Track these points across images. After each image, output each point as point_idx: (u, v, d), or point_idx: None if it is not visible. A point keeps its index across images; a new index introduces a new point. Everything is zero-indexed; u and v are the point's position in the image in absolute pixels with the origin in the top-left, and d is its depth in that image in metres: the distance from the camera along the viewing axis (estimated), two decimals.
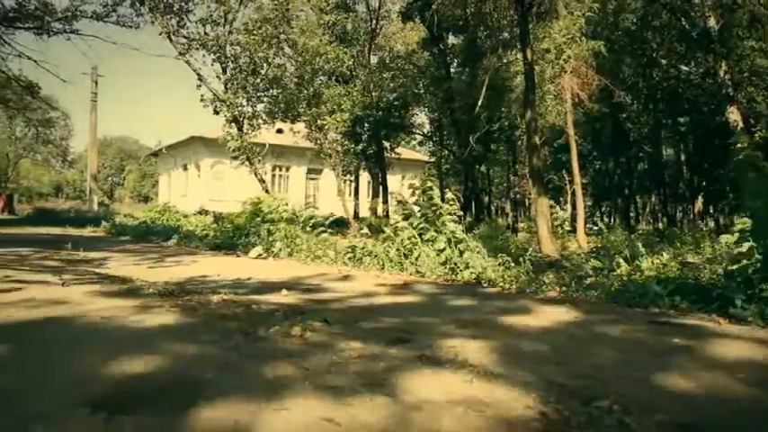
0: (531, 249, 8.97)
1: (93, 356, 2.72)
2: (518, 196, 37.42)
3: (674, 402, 2.25)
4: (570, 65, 16.88)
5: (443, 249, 7.39)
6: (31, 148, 64.55)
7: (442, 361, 2.77)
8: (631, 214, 32.38)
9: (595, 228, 23.40)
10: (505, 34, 24.53)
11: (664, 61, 26.56)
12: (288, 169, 37.88)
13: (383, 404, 2.10)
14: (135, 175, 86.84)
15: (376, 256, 8.06)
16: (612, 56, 23.82)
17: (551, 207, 14.32)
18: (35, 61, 19.67)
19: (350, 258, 8.45)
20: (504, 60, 24.59)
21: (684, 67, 26.37)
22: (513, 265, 6.83)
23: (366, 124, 23.67)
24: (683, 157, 31.58)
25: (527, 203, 40.32)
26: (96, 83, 35.00)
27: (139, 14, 18.72)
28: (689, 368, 2.80)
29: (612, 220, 35.01)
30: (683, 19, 22.49)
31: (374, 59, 26.71)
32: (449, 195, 8.15)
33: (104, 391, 2.16)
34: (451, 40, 26.55)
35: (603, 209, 35.91)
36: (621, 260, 6.59)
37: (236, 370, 2.51)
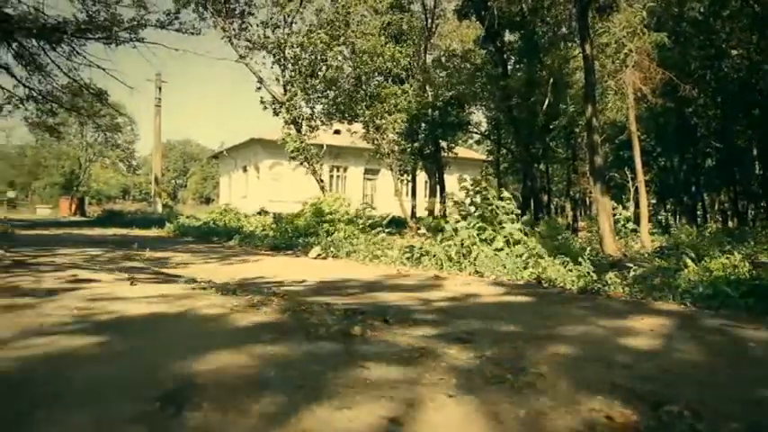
0: (592, 249, 8.78)
1: (165, 352, 2.83)
2: (578, 195, 36.56)
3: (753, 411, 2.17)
4: (632, 59, 16.40)
5: (502, 249, 7.31)
6: (100, 152, 67.24)
7: (500, 361, 2.75)
8: (698, 212, 31.15)
9: (660, 226, 22.65)
10: (564, 29, 24.06)
11: (734, 51, 25.41)
12: (345, 170, 38.18)
13: (447, 404, 2.11)
14: (197, 177, 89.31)
15: (434, 255, 8.04)
16: (677, 48, 22.98)
17: (613, 205, 13.95)
18: (104, 69, 20.46)
19: (408, 258, 8.46)
20: (563, 56, 24.10)
21: (758, 57, 25.13)
22: (573, 264, 6.69)
23: (423, 124, 23.59)
24: (755, 152, 30.12)
25: (587, 202, 39.39)
26: (160, 89, 36.20)
27: (202, 19, 19.24)
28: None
29: (678, 219, 33.79)
30: (755, 5, 21.43)
31: (430, 58, 26.63)
32: (505, 194, 8.06)
33: (177, 386, 2.24)
34: (508, 36, 26.19)
35: (668, 207, 34.68)
36: (689, 260, 6.37)
37: (298, 368, 2.56)
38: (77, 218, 42.36)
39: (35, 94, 21.97)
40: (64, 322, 3.50)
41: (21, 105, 22.03)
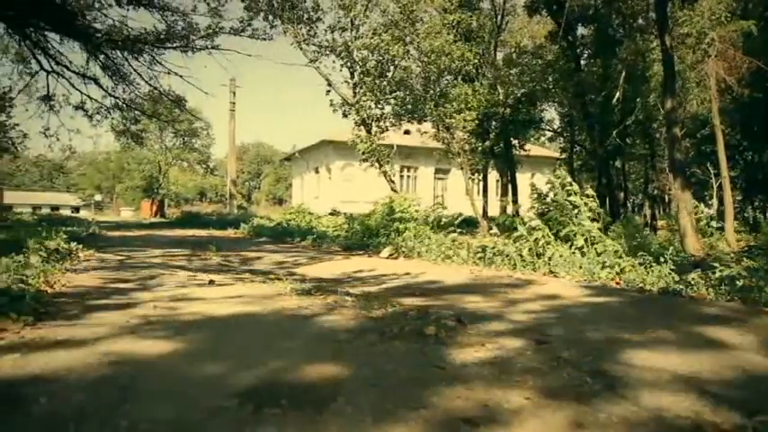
0: (672, 248, 8.42)
1: (244, 351, 2.91)
2: (657, 192, 35.21)
3: None
4: (715, 48, 15.65)
5: (581, 248, 7.13)
6: (178, 156, 69.88)
7: (578, 364, 2.68)
8: None
9: (747, 225, 21.47)
10: (640, 21, 23.22)
11: None
12: (416, 170, 38.22)
13: (524, 407, 2.08)
14: (270, 178, 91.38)
15: (507, 255, 7.92)
16: (765, 35, 21.75)
17: (694, 203, 13.36)
18: (181, 77, 21.28)
19: (480, 258, 8.37)
20: (639, 49, 23.24)
21: None
22: (654, 264, 6.44)
23: (493, 122, 23.28)
24: None
25: (667, 200, 37.87)
26: (234, 93, 37.31)
27: (272, 26, 19.73)
28: None
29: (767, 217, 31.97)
30: None
31: (500, 56, 26.28)
32: (588, 191, 7.85)
33: (256, 384, 2.30)
34: (581, 30, 25.49)
35: (756, 204, 32.78)
36: None
37: (373, 368, 2.58)
38: (158, 219, 44.22)
39: (120, 103, 23.12)
40: (148, 320, 3.66)
41: (108, 114, 23.25)
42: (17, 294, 3.82)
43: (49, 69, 21.06)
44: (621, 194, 30.62)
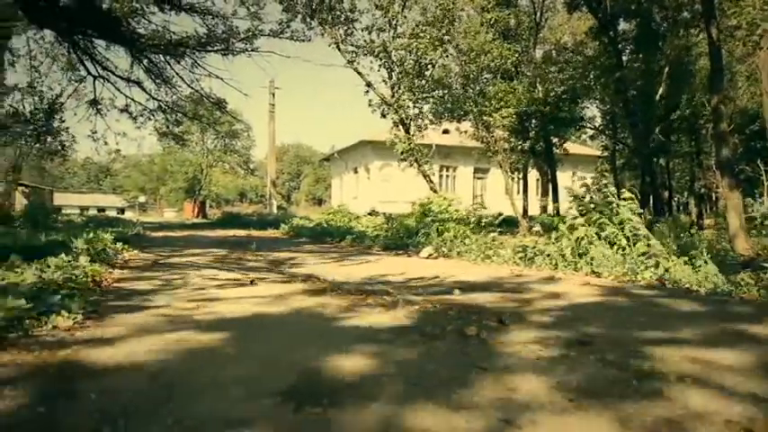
0: (720, 248, 8.19)
1: (285, 350, 2.94)
2: (703, 190, 34.28)
3: None
4: (767, 40, 15.12)
5: (623, 248, 6.98)
6: (219, 158, 71.03)
7: (623, 365, 2.63)
8: None
9: None
10: (685, 13, 22.63)
11: None
12: (455, 169, 38.07)
13: (567, 408, 2.04)
14: (309, 179, 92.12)
15: (548, 255, 7.82)
16: None
17: (746, 201, 12.95)
18: (222, 79, 21.67)
19: (521, 258, 8.28)
20: (684, 44, 22.69)
21: None
22: (701, 264, 6.26)
23: (533, 120, 23.01)
24: None
25: (714, 198, 36.85)
26: (273, 95, 37.79)
27: (310, 28, 19.91)
28: None
29: None
30: None
31: (539, 53, 25.97)
32: (626, 193, 7.70)
33: (297, 382, 2.32)
34: (622, 25, 24.99)
35: None
36: None
37: (414, 368, 2.57)
38: (199, 220, 45.08)
39: (163, 106, 23.66)
40: (192, 319, 3.73)
41: (151, 117, 23.82)
42: (67, 293, 3.94)
43: (96, 74, 21.70)
44: (666, 193, 29.91)
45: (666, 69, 22.21)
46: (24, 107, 23.08)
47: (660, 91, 22.92)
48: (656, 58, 22.87)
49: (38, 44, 21.53)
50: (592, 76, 24.11)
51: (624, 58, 24.62)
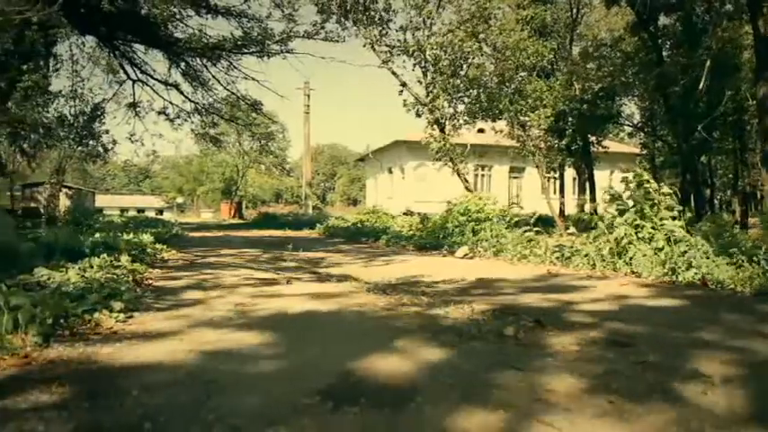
0: (765, 247, 7.93)
1: (322, 350, 2.96)
2: (748, 188, 33.30)
3: None
4: None
5: (662, 248, 6.83)
6: (255, 159, 71.80)
7: (664, 368, 2.57)
8: None
9: None
10: (728, 6, 22.03)
11: None
12: (490, 168, 37.76)
13: (607, 410, 2.00)
14: (344, 179, 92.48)
15: (586, 255, 7.69)
16: None
17: None
18: (257, 81, 21.91)
19: (558, 258, 8.17)
20: (727, 37, 22.05)
21: None
22: (745, 264, 6.08)
23: (570, 118, 22.68)
24: None
25: (759, 196, 35.79)
26: (308, 96, 38.06)
27: (344, 28, 19.99)
28: None
29: None
30: None
31: (576, 50, 25.60)
32: (665, 189, 7.52)
33: (335, 382, 2.33)
34: (663, 20, 24.44)
35: None
36: None
37: (451, 368, 2.56)
38: (236, 220, 45.65)
39: (200, 108, 24.05)
40: (230, 317, 3.78)
41: (188, 119, 24.25)
42: (109, 292, 4.03)
43: (135, 78, 22.20)
44: (708, 191, 29.19)
45: (708, 64, 21.61)
46: (67, 111, 23.78)
47: (702, 86, 22.34)
48: (697, 53, 22.29)
49: (80, 50, 22.11)
50: (631, 73, 23.65)
51: (664, 53, 24.09)
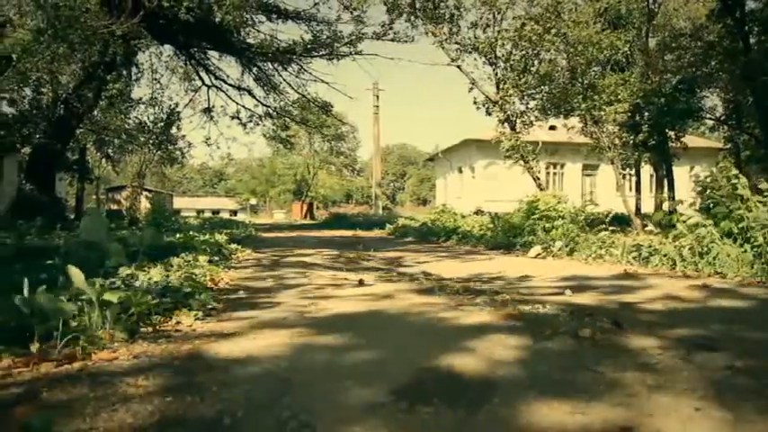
0: None
1: (396, 349, 2.96)
2: None
3: None
4: None
5: (759, 246, 6.43)
6: (326, 160, 72.98)
7: (756, 373, 2.43)
8: None
9: None
10: None
11: None
12: (562, 166, 36.94)
13: (693, 417, 1.91)
14: (414, 179, 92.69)
15: (665, 254, 7.40)
16: None
17: None
18: (327, 83, 22.34)
19: (635, 257, 7.90)
20: None
21: None
22: None
23: (646, 113, 21.85)
24: None
25: None
26: (377, 97, 38.39)
27: (414, 27, 20.02)
28: None
29: None
30: None
31: (653, 42, 24.65)
32: (763, 185, 7.11)
33: (409, 381, 2.33)
34: (750, 5, 23.14)
35: None
36: None
37: (526, 369, 2.51)
38: (307, 221, 46.53)
39: (271, 111, 24.68)
40: (303, 316, 3.84)
41: (260, 122, 24.92)
42: (189, 291, 4.18)
43: (209, 84, 23.02)
44: None
45: None
46: (147, 118, 24.93)
47: None
48: None
49: (158, 58, 23.13)
50: (713, 63, 22.55)
51: (752, 39, 22.82)
